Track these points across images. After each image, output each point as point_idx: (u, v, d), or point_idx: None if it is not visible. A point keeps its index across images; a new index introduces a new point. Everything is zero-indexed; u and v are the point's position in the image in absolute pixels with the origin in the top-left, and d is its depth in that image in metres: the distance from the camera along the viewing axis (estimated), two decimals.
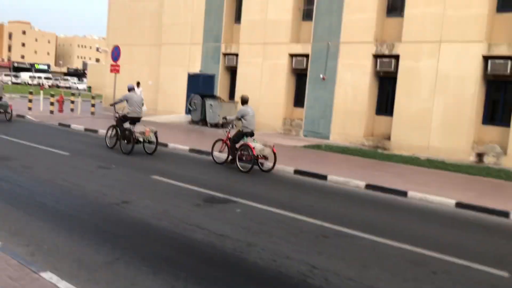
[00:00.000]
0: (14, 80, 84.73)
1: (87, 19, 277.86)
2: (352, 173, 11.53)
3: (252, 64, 22.66)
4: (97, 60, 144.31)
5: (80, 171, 9.65)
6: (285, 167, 11.79)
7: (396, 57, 18.21)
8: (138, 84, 25.30)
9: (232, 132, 12.28)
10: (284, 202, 8.19)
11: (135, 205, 7.09)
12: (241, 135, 11.77)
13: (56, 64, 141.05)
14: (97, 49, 44.69)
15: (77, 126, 18.15)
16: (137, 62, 29.60)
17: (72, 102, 25.51)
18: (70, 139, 14.66)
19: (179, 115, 25.33)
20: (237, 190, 8.87)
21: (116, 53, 25.78)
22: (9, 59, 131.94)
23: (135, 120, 12.94)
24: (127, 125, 12.94)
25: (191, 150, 13.97)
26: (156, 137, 12.84)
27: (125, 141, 12.74)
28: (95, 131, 17.18)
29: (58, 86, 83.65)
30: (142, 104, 13.29)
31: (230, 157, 11.90)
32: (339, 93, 19.60)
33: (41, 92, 25.90)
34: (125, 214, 6.64)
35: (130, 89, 13.26)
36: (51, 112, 22.90)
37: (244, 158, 11.39)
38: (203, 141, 15.92)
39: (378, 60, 18.67)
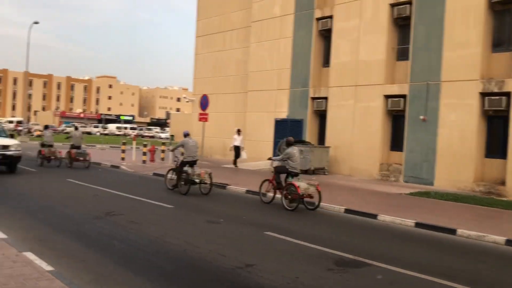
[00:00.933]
0: (102, 131, 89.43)
1: (169, 71, 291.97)
2: (482, 225, 10.17)
3: (343, 107, 21.85)
4: (178, 110, 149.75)
5: (189, 226, 9.11)
6: (404, 220, 10.66)
7: (507, 94, 16.69)
8: (238, 131, 24.88)
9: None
10: (436, 267, 7.09)
11: (261, 270, 6.30)
12: (285, 169, 12.30)
13: (140, 114, 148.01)
14: (183, 98, 45.72)
15: (172, 176, 17.98)
16: (223, 110, 29.76)
17: (163, 151, 25.78)
18: (168, 190, 14.36)
19: (267, 162, 24.79)
20: (366, 250, 7.90)
21: (204, 102, 26.02)
22: (97, 112, 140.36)
23: (192, 163, 13.90)
24: (185, 168, 13.88)
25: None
26: (211, 178, 13.85)
27: (183, 183, 13.73)
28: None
29: (142, 136, 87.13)
30: (197, 148, 14.45)
31: (275, 195, 12.58)
32: (442, 134, 18.21)
33: (134, 142, 26.42)
34: (254, 281, 5.86)
35: (186, 135, 14.41)
36: (144, 162, 23.18)
37: (290, 197, 11.83)
38: None
39: (486, 99, 17.19)
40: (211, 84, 30.93)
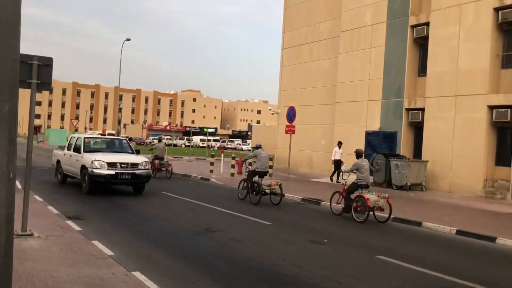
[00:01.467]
0: (187, 143, 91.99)
1: (249, 84, 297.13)
2: None
3: (442, 118, 20.50)
4: (258, 122, 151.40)
5: (293, 246, 8.59)
6: None
7: None
8: (339, 144, 23.59)
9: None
10: None
11: None
12: (356, 186, 12.32)
13: (222, 127, 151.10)
14: (269, 111, 46.00)
15: (244, 186, 17.63)
16: (310, 122, 29.18)
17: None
18: (261, 204, 13.98)
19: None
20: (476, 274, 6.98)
21: (291, 114, 25.60)
22: (182, 124, 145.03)
23: (262, 174, 14.47)
24: (256, 178, 14.46)
25: (403, 220, 12.27)
26: (281, 189, 14.36)
27: (254, 193, 14.35)
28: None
29: (225, 148, 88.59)
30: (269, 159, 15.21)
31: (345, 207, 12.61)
32: None
33: (222, 155, 26.51)
34: None
35: (258, 147, 15.21)
36: (232, 174, 23.10)
37: (359, 209, 11.98)
38: (399, 206, 14.15)
39: None
40: (297, 96, 30.53)
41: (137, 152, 16.36)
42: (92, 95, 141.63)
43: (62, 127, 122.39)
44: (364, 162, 12.47)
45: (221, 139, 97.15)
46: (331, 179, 23.37)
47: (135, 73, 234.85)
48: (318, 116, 28.82)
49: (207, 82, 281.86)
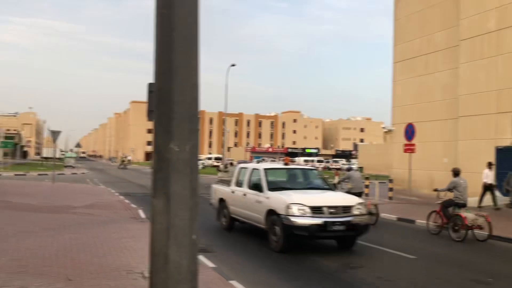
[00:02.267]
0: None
1: (351, 102, 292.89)
2: None
3: None
4: (361, 140, 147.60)
5: (453, 286, 7.35)
6: None
7: None
8: (490, 165, 20.46)
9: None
10: None
11: None
12: (452, 203, 12.29)
13: (324, 147, 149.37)
14: (382, 129, 44.16)
15: (387, 215, 16.32)
16: (428, 139, 27.08)
17: (391, 189, 24.19)
18: (392, 232, 12.73)
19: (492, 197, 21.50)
20: None
21: (409, 132, 24.03)
22: (283, 146, 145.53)
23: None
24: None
25: None
26: (377, 209, 13.95)
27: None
28: (411, 221, 14.98)
29: (329, 168, 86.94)
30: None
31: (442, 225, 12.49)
32: None
33: (337, 177, 25.41)
34: None
35: (350, 169, 15.52)
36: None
37: (456, 228, 11.81)
38: None
39: None
40: (412, 112, 28.66)
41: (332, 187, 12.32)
42: None
43: None
44: (462, 181, 12.47)
45: (324, 159, 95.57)
46: (480, 204, 20.48)
47: (236, 97, 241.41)
48: (438, 132, 26.75)
49: (307, 102, 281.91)
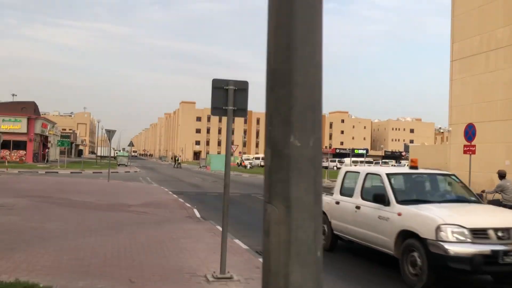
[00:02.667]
0: (338, 165, 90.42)
1: (400, 102, 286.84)
2: None
3: None
4: (411, 141, 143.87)
5: None
6: None
7: None
8: None
9: None
10: None
11: None
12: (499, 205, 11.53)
13: (372, 147, 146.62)
14: (438, 129, 42.61)
15: None
16: (489, 140, 25.79)
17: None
18: None
19: None
20: None
21: (470, 132, 22.85)
22: (331, 146, 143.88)
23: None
24: None
25: None
26: None
27: None
28: None
29: None
30: None
31: None
32: None
33: None
34: None
35: (503, 176, 13.22)
36: None
37: None
38: None
39: None
40: (471, 111, 27.42)
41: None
42: (245, 121, 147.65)
43: (219, 153, 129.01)
44: (508, 183, 12.31)
45: (374, 160, 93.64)
46: None
47: None
48: (500, 133, 25.44)
49: (355, 102, 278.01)
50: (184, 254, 8.40)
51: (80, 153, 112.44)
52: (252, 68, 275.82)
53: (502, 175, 12.66)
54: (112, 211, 14.01)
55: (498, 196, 13.03)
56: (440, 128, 45.46)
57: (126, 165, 59.91)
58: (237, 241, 9.98)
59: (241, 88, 7.04)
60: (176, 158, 72.28)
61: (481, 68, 27.03)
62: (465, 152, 23.05)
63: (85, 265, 7.29)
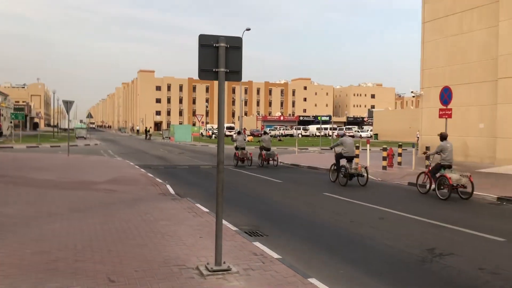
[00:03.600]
0: (303, 133, 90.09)
1: (361, 68, 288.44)
2: None
3: None
4: (372, 107, 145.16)
5: None
6: None
7: None
8: None
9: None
10: None
11: None
12: (439, 167, 13.38)
13: (334, 114, 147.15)
14: (411, 93, 41.87)
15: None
16: (462, 103, 25.39)
17: (400, 154, 22.84)
18: (456, 208, 11.38)
19: None
20: None
21: (446, 96, 22.31)
22: (293, 114, 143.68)
23: (350, 159, 15.73)
24: (344, 163, 15.88)
25: None
26: (367, 172, 15.87)
27: (342, 175, 15.79)
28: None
29: (342, 136, 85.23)
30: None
31: (432, 186, 13.61)
32: None
33: (368, 145, 23.95)
34: None
35: (343, 135, 16.51)
36: (384, 167, 20.55)
37: (442, 187, 13.09)
38: None
39: None
40: (444, 75, 26.95)
41: None
42: (207, 89, 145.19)
43: (181, 123, 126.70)
44: (448, 144, 13.38)
45: (338, 127, 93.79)
46: None
47: (244, 65, 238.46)
48: (473, 96, 25.08)
49: (317, 69, 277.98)
50: (167, 240, 7.32)
51: (35, 126, 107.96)
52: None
53: (443, 137, 13.60)
54: (77, 190, 12.69)
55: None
56: (412, 92, 45.40)
57: (85, 138, 57.69)
58: (223, 221, 8.92)
59: (234, 45, 5.87)
60: (147, 130, 70.41)
61: (454, 30, 26.44)
62: (440, 116, 22.53)
63: (52, 261, 6.11)
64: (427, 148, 22.72)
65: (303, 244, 7.75)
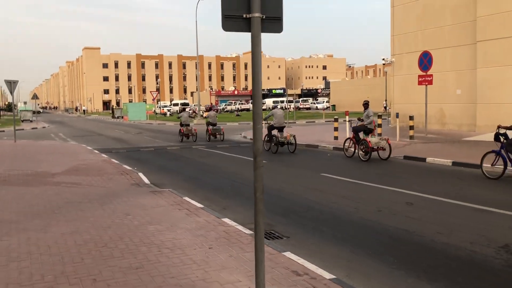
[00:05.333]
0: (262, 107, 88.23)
1: (311, 38, 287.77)
2: None
3: None
4: (324, 78, 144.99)
5: None
6: None
7: None
8: None
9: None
10: None
11: None
12: (362, 129, 14.96)
13: (288, 86, 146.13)
14: (383, 60, 40.56)
15: (436, 160, 13.63)
16: (437, 69, 24.21)
17: (379, 125, 21.50)
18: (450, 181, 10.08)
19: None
20: None
21: (426, 61, 21.12)
22: (246, 88, 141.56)
23: (280, 129, 17.37)
24: (275, 132, 17.48)
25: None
26: (295, 140, 17.16)
27: (273, 144, 17.33)
28: (472, 166, 12.25)
29: (299, 108, 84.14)
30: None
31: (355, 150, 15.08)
32: None
33: (347, 117, 22.47)
34: None
35: (274, 107, 18.13)
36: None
37: (363, 150, 14.46)
38: None
39: None
40: (416, 40, 25.81)
41: None
42: (156, 65, 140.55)
43: (131, 101, 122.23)
44: (371, 111, 15.04)
45: (295, 99, 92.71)
46: None
47: (193, 40, 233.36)
48: (449, 61, 24.05)
49: (268, 42, 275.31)
50: (167, 257, 5.46)
51: None
52: (158, 9, 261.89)
53: (367, 105, 15.22)
54: (32, 186, 10.50)
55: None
56: (383, 59, 44.51)
57: (31, 121, 53.88)
58: (227, 220, 7.13)
59: None
60: (113, 108, 67.17)
61: None
62: (420, 83, 21.43)
63: None
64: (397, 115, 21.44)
65: (341, 249, 6.05)
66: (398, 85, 27.31)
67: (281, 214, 7.96)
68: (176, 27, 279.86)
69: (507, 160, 10.39)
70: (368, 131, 14.86)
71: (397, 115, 21.50)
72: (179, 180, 11.78)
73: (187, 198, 8.79)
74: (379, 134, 21.48)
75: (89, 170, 12.81)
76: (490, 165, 10.72)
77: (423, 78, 20.89)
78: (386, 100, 54.96)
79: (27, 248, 5.86)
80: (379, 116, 22.17)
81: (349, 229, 7.00)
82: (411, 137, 19.50)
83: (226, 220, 7.11)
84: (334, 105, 74.30)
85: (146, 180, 11.16)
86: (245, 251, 5.53)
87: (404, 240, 6.36)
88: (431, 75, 20.67)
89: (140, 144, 22.97)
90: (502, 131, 10.70)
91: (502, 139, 10.63)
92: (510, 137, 10.63)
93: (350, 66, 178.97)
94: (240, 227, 6.68)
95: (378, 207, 8.25)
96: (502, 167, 10.45)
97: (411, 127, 19.61)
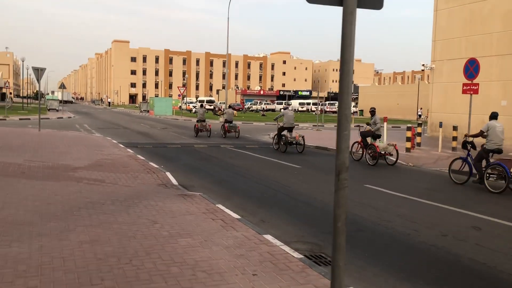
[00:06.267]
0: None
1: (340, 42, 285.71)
2: None
3: None
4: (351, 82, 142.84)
5: None
6: None
7: None
8: None
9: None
10: None
11: None
12: (369, 134, 15.22)
13: (313, 89, 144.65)
14: (423, 66, 39.12)
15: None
16: (482, 78, 22.80)
17: (419, 134, 20.30)
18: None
19: None
20: None
21: (472, 69, 19.77)
22: (272, 88, 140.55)
23: (290, 129, 17.72)
24: (285, 133, 17.74)
25: None
26: (303, 140, 17.41)
27: (282, 143, 17.60)
28: None
29: (325, 111, 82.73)
30: None
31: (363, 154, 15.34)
32: None
33: (385, 124, 21.28)
34: None
35: (286, 108, 18.58)
36: (408, 150, 17.98)
37: (371, 155, 14.65)
38: None
39: None
40: (460, 46, 24.46)
41: None
42: (184, 61, 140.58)
43: (157, 95, 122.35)
44: (378, 118, 15.23)
45: (321, 102, 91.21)
46: None
47: (223, 38, 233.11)
48: (495, 70, 22.66)
49: (296, 43, 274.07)
50: (204, 284, 4.50)
51: (3, 96, 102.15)
52: (194, 9, 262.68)
53: (373, 112, 15.43)
54: (51, 180, 9.70)
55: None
56: (423, 65, 43.16)
57: (57, 110, 53.81)
58: (269, 237, 6.13)
59: None
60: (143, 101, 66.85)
61: None
62: (464, 91, 20.05)
63: None
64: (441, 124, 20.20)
65: (413, 283, 5.03)
66: (437, 93, 26.00)
67: (330, 232, 6.96)
68: (206, 25, 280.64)
69: (472, 167, 11.17)
70: (376, 137, 15.04)
71: (440, 125, 20.19)
72: (209, 182, 10.86)
73: (220, 206, 7.84)
74: (418, 144, 20.31)
75: (114, 166, 11.99)
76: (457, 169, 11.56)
77: (468, 87, 19.55)
78: (421, 108, 53.24)
79: (38, 259, 4.98)
80: (419, 125, 20.98)
81: (411, 257, 5.95)
82: (453, 149, 18.26)
83: (268, 237, 6.13)
84: (362, 110, 72.72)
85: (174, 181, 10.27)
86: (298, 284, 4.54)
87: (487, 276, 5.29)
88: (477, 84, 19.34)
89: (166, 139, 22.19)
90: (469, 139, 11.40)
91: (468, 147, 11.38)
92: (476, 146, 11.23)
93: (378, 72, 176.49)
94: (286, 248, 5.69)
95: (441, 230, 7.17)
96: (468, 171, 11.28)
97: (454, 138, 18.37)
